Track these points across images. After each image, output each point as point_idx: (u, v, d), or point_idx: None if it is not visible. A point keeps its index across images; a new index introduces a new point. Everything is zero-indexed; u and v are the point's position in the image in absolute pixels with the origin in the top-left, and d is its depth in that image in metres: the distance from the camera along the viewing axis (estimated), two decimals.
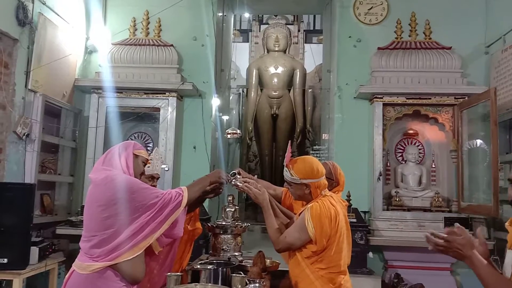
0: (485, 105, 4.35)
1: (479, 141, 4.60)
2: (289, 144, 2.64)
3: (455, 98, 4.82)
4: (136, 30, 5.39)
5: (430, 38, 5.11)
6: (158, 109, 5.09)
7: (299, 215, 2.44)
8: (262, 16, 9.09)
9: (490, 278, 1.64)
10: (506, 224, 1.79)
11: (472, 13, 5.16)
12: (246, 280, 2.20)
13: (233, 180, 2.59)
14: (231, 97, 7.58)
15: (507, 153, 4.53)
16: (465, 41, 5.11)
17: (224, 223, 2.70)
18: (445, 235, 1.68)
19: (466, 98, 4.76)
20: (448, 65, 4.92)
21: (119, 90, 5.03)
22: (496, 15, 4.99)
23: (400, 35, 5.16)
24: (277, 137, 8.06)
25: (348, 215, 3.09)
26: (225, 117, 6.51)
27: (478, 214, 4.49)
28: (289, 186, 2.53)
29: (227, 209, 2.75)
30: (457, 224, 1.76)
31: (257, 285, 2.16)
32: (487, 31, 5.10)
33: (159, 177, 2.90)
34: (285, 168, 2.49)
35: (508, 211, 4.35)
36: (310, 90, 8.12)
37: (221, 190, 2.51)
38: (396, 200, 4.84)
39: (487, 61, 5.06)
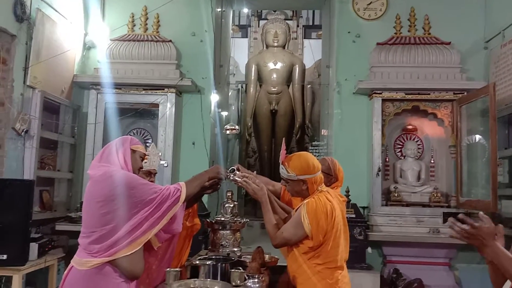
0: (484, 100, 4.35)
1: (478, 136, 4.60)
2: (283, 141, 2.62)
3: (454, 94, 4.82)
4: (134, 26, 5.38)
5: (429, 34, 5.10)
6: (157, 105, 5.09)
7: (296, 210, 2.44)
8: (261, 11, 9.07)
9: None
10: None
11: (471, 8, 5.15)
12: (245, 276, 2.21)
13: (232, 176, 2.59)
14: (230, 93, 7.58)
15: (505, 148, 4.54)
16: (464, 36, 5.10)
17: (223, 219, 2.70)
18: (474, 222, 1.68)
19: (465, 93, 4.76)
20: (447, 60, 4.91)
21: (118, 86, 5.02)
22: (495, 10, 4.98)
23: (399, 31, 5.15)
24: (276, 133, 8.06)
25: (347, 211, 3.10)
26: (224, 113, 6.50)
27: (476, 209, 4.48)
28: (285, 183, 2.51)
29: (226, 205, 2.75)
30: (481, 213, 1.76)
31: (256, 280, 2.17)
32: (486, 26, 5.09)
33: (156, 173, 2.90)
34: (281, 166, 2.48)
35: (507, 206, 4.36)
36: (309, 86, 8.12)
37: (219, 186, 2.51)
38: (395, 196, 4.85)
39: (486, 56, 5.06)
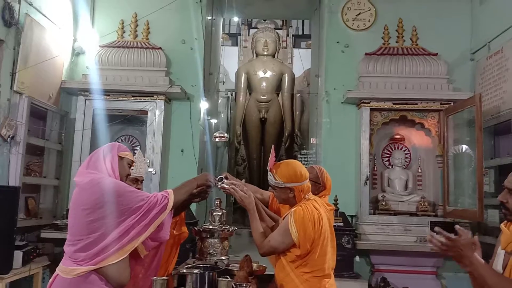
0: (471, 111, 4.41)
1: (464, 146, 4.65)
2: (272, 148, 2.64)
3: (441, 104, 4.89)
4: (124, 32, 5.36)
5: (417, 44, 5.17)
6: (145, 112, 5.07)
7: (283, 219, 2.45)
8: (251, 20, 9.12)
9: (491, 277, 1.67)
10: (501, 225, 1.82)
11: (458, 20, 5.25)
12: (233, 284, 2.19)
13: (220, 184, 2.59)
14: (219, 101, 7.58)
15: (491, 158, 4.59)
16: (451, 48, 5.18)
17: (211, 227, 2.69)
18: (451, 235, 1.71)
19: (452, 104, 4.83)
20: (434, 71, 4.98)
21: (107, 92, 4.99)
22: (482, 22, 5.07)
23: (387, 41, 5.21)
24: (266, 141, 8.07)
25: (335, 219, 3.11)
26: (214, 121, 6.50)
27: (463, 218, 4.53)
28: (273, 190, 2.53)
29: (214, 213, 2.73)
30: (457, 226, 1.80)
31: None
32: (473, 38, 5.19)
33: (143, 180, 2.88)
34: (269, 173, 2.48)
35: (492, 215, 4.40)
36: (298, 95, 8.16)
37: (207, 194, 2.50)
38: (382, 204, 4.87)
39: (472, 68, 5.14)
